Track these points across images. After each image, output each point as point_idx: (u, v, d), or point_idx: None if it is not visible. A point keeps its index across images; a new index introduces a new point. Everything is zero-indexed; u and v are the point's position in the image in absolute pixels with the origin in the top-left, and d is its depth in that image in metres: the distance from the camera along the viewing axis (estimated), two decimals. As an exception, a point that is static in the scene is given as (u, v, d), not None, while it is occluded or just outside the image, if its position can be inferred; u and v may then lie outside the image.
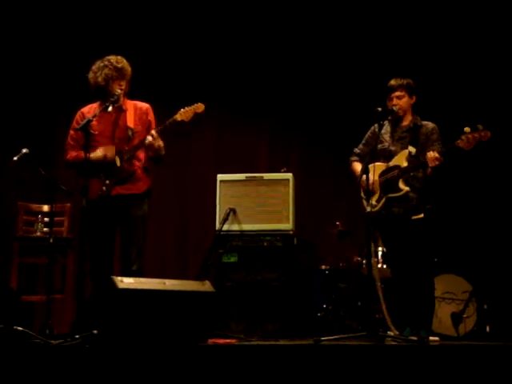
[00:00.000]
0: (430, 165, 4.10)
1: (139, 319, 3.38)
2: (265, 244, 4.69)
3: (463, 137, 3.98)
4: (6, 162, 4.34)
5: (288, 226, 4.71)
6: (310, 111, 6.44)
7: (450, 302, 4.80)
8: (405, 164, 4.22)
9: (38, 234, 5.10)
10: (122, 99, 4.20)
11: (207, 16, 6.38)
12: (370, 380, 3.19)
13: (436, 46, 6.23)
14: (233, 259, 4.69)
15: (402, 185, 4.22)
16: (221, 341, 3.81)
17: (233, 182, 4.84)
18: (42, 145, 5.65)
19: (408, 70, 6.15)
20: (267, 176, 4.85)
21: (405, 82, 4.34)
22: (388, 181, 4.26)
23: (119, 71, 4.14)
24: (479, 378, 3.20)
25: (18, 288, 4.88)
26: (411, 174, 4.22)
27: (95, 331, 3.32)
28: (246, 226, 4.74)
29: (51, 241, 4.30)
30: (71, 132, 4.23)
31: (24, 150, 4.20)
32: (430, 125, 4.34)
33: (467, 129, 3.97)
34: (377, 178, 4.26)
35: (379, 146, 4.32)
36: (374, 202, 4.26)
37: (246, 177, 4.85)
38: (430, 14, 6.20)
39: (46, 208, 5.24)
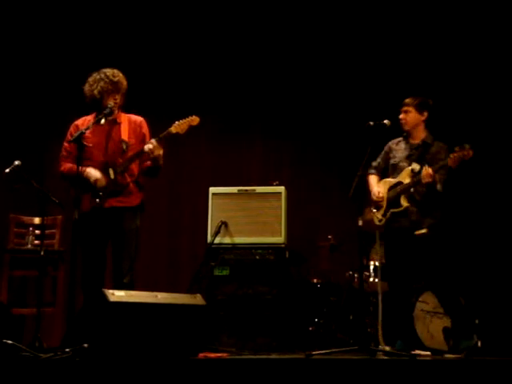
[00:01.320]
0: (423, 181, 4.17)
1: (130, 332, 3.37)
2: (256, 257, 4.69)
3: (451, 155, 4.07)
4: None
5: (280, 239, 4.72)
6: (303, 124, 6.46)
7: (441, 317, 4.79)
8: (407, 181, 4.33)
9: (29, 246, 5.08)
10: (116, 112, 4.20)
11: (200, 29, 6.41)
12: (362, 394, 3.18)
13: (430, 59, 6.27)
14: (224, 272, 4.68)
15: (403, 201, 4.31)
16: (212, 354, 3.79)
17: (225, 195, 4.84)
18: (34, 157, 5.64)
19: (401, 85, 6.26)
20: (259, 189, 4.86)
21: (416, 100, 4.42)
22: (392, 196, 4.37)
23: (115, 85, 4.14)
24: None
25: (8, 301, 4.84)
26: (411, 189, 4.28)
27: (86, 344, 3.30)
28: (238, 239, 4.74)
29: (42, 253, 4.29)
30: (65, 144, 4.22)
31: (16, 162, 4.20)
32: (440, 144, 4.41)
33: (456, 148, 4.05)
34: (385, 192, 4.40)
35: (391, 161, 4.48)
36: (380, 215, 4.40)
37: (238, 190, 4.85)
38: (423, 27, 6.25)
39: (37, 220, 5.22)
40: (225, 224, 4.74)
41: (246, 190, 4.85)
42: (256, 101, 6.47)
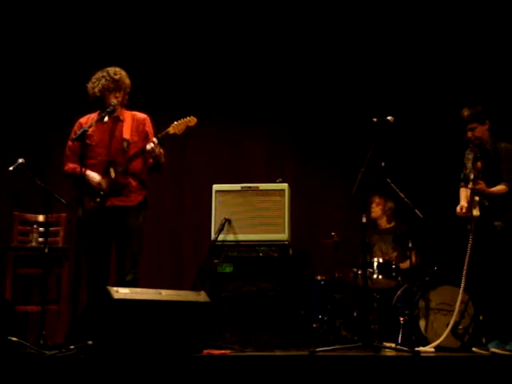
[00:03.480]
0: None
1: (134, 330, 3.37)
2: (260, 254, 4.68)
3: None
4: (1, 172, 4.34)
5: (283, 236, 4.71)
6: (307, 121, 6.44)
7: (445, 314, 4.78)
8: (469, 192, 4.38)
9: (34, 244, 5.08)
10: (119, 110, 4.21)
11: (202, 25, 6.39)
12: (366, 391, 3.18)
13: (436, 54, 6.25)
14: (228, 269, 4.68)
15: (474, 210, 4.33)
16: (216, 351, 3.79)
17: (228, 192, 4.84)
18: (38, 155, 5.65)
19: (405, 81, 6.25)
20: (263, 186, 4.86)
21: (473, 112, 4.44)
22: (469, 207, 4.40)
23: (116, 83, 4.17)
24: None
25: (12, 298, 4.85)
26: (476, 198, 4.30)
27: (90, 342, 3.31)
28: (242, 236, 4.74)
29: (46, 251, 4.29)
30: (69, 142, 4.24)
31: (20, 160, 4.21)
32: (498, 145, 4.42)
33: None
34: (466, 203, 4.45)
35: (465, 171, 4.55)
36: (469, 227, 4.41)
37: (242, 187, 4.85)
38: (427, 21, 6.22)
39: (41, 218, 5.22)
40: (228, 221, 4.74)
41: (250, 187, 4.85)
42: (259, 98, 6.45)
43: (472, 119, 4.43)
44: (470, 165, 4.50)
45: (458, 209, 4.48)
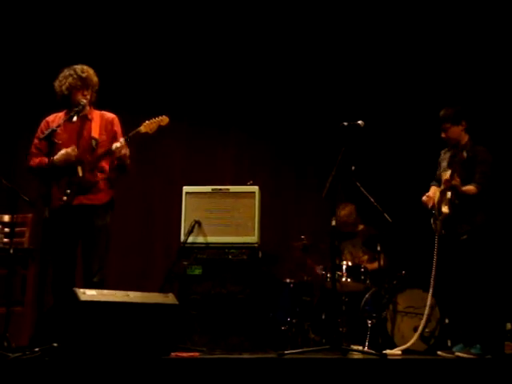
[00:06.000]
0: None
1: (101, 332, 3.33)
2: (230, 257, 4.68)
3: None
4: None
5: (253, 238, 4.71)
6: (277, 124, 6.47)
7: (412, 316, 4.84)
8: (442, 188, 4.36)
9: (-2, 244, 4.98)
10: (87, 108, 4.17)
11: (172, 28, 6.37)
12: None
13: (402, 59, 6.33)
14: (197, 272, 4.66)
15: (443, 207, 4.31)
16: (184, 354, 3.78)
17: (199, 194, 4.82)
18: (3, 154, 5.55)
19: (377, 85, 6.32)
20: (233, 188, 4.85)
21: (447, 113, 4.44)
22: (438, 204, 4.37)
23: (83, 81, 4.12)
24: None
25: (-25, 300, 4.75)
26: (448, 195, 4.28)
27: (55, 344, 3.26)
28: (211, 239, 4.73)
29: (11, 251, 4.22)
30: (35, 141, 4.17)
31: (-16, 159, 4.14)
32: (477, 148, 4.40)
33: None
34: (436, 201, 4.41)
35: (439, 171, 4.55)
36: (433, 225, 4.41)
37: (212, 189, 4.84)
38: (394, 25, 6.29)
39: (6, 218, 5.12)
40: (198, 223, 4.73)
41: (220, 189, 4.84)
42: (231, 100, 6.45)
43: (445, 119, 4.43)
44: (445, 164, 4.49)
45: (424, 197, 4.46)
